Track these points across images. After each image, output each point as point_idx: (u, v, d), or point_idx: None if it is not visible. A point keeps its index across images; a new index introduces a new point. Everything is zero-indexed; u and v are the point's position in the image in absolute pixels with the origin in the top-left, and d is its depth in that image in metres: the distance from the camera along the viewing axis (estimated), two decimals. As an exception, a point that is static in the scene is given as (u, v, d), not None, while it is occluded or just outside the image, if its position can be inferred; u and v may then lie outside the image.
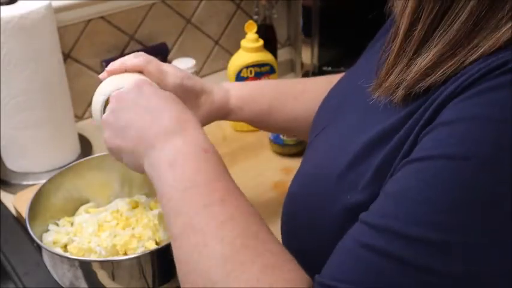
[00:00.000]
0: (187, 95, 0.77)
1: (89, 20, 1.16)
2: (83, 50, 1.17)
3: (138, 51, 0.78)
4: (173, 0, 1.26)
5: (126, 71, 0.73)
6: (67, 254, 0.77)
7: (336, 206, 0.55)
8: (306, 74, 1.27)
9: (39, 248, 0.79)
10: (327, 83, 0.77)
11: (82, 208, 0.87)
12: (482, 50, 0.47)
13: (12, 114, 0.99)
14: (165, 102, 0.64)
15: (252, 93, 0.84)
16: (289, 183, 0.66)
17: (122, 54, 1.22)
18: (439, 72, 0.49)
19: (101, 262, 0.72)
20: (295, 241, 0.64)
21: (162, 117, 0.62)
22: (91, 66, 1.19)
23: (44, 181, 0.84)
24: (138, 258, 0.72)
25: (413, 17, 0.51)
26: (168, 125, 0.61)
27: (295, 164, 0.89)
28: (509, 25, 0.46)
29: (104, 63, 1.18)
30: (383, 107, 0.55)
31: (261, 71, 1.14)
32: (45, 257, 0.77)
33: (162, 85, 0.74)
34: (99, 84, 0.74)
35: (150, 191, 0.88)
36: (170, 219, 0.57)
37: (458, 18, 0.48)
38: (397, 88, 0.53)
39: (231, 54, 1.18)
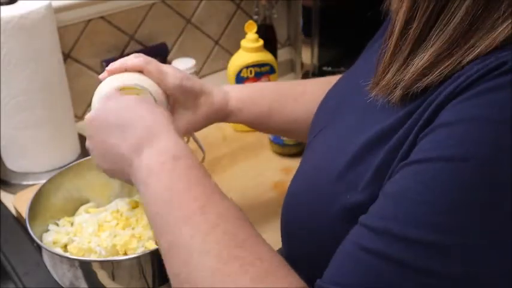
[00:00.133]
0: (187, 96, 0.77)
1: (89, 20, 1.16)
2: (83, 50, 1.17)
3: (138, 51, 0.79)
4: (173, 0, 1.26)
5: (126, 70, 0.74)
6: (67, 254, 0.77)
7: (335, 206, 0.55)
8: (306, 74, 1.27)
9: (39, 248, 0.79)
10: (326, 84, 0.77)
11: (82, 208, 0.87)
12: (479, 50, 0.47)
13: (12, 114, 0.99)
14: (133, 113, 0.64)
15: (252, 95, 0.84)
16: (289, 183, 0.66)
17: (122, 54, 1.22)
18: (436, 72, 0.49)
19: (101, 262, 0.72)
20: (295, 242, 0.64)
21: (132, 132, 0.62)
22: (91, 66, 1.19)
23: (44, 181, 0.84)
24: (138, 258, 0.72)
25: (409, 15, 0.51)
26: (137, 140, 0.61)
27: (295, 164, 0.89)
28: (505, 25, 0.46)
29: (104, 63, 1.18)
30: (381, 107, 0.55)
31: (261, 71, 1.14)
32: (45, 257, 0.77)
33: (162, 85, 0.74)
34: (99, 84, 0.74)
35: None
36: (157, 237, 0.57)
37: (454, 18, 0.48)
38: (394, 88, 0.53)
39: (231, 54, 1.18)
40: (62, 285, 0.77)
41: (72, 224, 0.84)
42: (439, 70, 0.49)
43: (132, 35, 1.23)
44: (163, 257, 0.56)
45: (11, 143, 1.03)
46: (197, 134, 1.04)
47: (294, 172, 0.67)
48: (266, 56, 1.14)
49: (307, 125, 0.76)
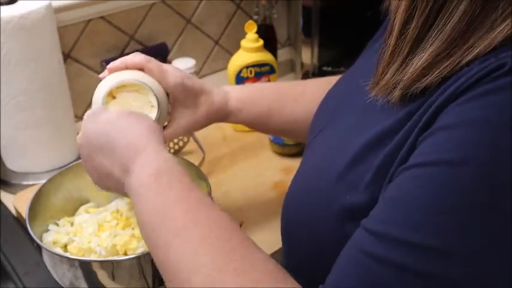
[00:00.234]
0: (187, 95, 0.77)
1: (89, 20, 1.16)
2: (83, 50, 1.17)
3: (138, 51, 0.78)
4: (173, 0, 1.26)
5: (127, 68, 0.74)
6: (67, 254, 0.77)
7: (335, 206, 0.55)
8: (306, 74, 1.27)
9: (39, 248, 0.79)
10: (326, 84, 0.77)
11: (82, 208, 0.88)
12: (478, 50, 0.47)
13: (12, 114, 0.99)
14: (116, 132, 0.64)
15: (252, 95, 0.84)
16: (289, 183, 0.66)
17: (122, 54, 1.22)
18: (435, 73, 0.49)
19: (101, 262, 0.72)
20: (295, 241, 0.64)
21: (118, 152, 0.63)
22: (91, 66, 1.19)
23: (44, 181, 0.84)
24: (138, 258, 0.72)
25: (407, 14, 0.51)
26: (123, 161, 0.62)
27: (295, 164, 0.89)
28: (504, 25, 0.46)
29: (104, 63, 1.18)
30: (381, 107, 0.55)
31: (261, 71, 1.14)
32: (45, 257, 0.77)
33: (162, 83, 0.74)
34: (99, 84, 0.74)
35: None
36: (152, 254, 0.57)
37: (452, 18, 0.48)
38: (394, 88, 0.53)
39: (231, 54, 1.18)
40: (62, 285, 0.77)
41: (72, 224, 0.84)
42: (438, 71, 0.49)
43: (132, 35, 1.23)
44: (160, 272, 0.56)
45: (11, 143, 1.03)
46: (197, 134, 1.04)
47: (294, 172, 0.67)
48: (266, 56, 1.14)
49: (307, 125, 0.76)
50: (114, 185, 0.66)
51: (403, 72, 0.52)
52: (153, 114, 0.72)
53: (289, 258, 0.67)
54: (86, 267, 0.72)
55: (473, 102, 0.45)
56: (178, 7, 1.28)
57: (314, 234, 0.59)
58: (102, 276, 0.72)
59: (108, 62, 0.77)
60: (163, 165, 0.60)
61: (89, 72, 1.19)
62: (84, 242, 0.78)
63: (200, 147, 1.06)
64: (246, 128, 1.13)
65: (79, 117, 1.21)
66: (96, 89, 0.73)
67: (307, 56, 1.25)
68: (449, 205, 0.44)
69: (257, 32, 1.13)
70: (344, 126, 0.61)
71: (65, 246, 0.80)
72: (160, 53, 1.23)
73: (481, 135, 0.44)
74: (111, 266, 0.72)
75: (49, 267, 0.77)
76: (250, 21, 1.13)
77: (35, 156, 1.04)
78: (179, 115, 0.77)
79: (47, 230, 0.82)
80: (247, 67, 1.13)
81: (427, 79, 0.49)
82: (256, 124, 0.86)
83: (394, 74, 0.53)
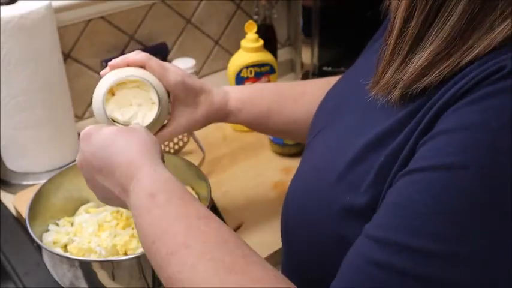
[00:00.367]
0: (187, 93, 0.77)
1: (89, 20, 1.16)
2: (83, 50, 1.17)
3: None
4: (173, 0, 1.26)
5: (128, 65, 0.74)
6: (67, 254, 0.77)
7: (335, 206, 0.55)
8: (306, 74, 1.27)
9: (39, 248, 0.79)
10: (326, 85, 0.77)
11: (82, 208, 0.88)
12: (477, 51, 0.47)
13: (12, 114, 0.99)
14: (112, 153, 0.64)
15: (251, 95, 0.84)
16: (289, 183, 0.66)
17: (122, 54, 1.22)
18: (435, 73, 0.49)
19: (101, 262, 0.72)
20: (295, 241, 0.64)
21: (116, 174, 0.63)
22: (91, 66, 1.19)
23: (44, 181, 0.84)
24: (138, 258, 0.72)
25: (407, 13, 0.51)
26: (121, 182, 0.62)
27: (295, 164, 0.89)
28: (503, 26, 0.46)
29: (103, 63, 1.18)
30: (381, 107, 0.55)
31: (261, 71, 1.14)
32: (45, 257, 0.77)
33: (163, 81, 0.74)
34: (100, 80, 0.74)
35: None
36: (155, 271, 0.57)
37: (451, 17, 0.48)
38: (394, 87, 0.53)
39: (231, 54, 1.18)
40: (62, 285, 0.77)
41: (72, 224, 0.84)
42: (438, 71, 0.49)
43: (132, 35, 1.23)
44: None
45: (11, 143, 1.03)
46: (197, 134, 1.04)
47: (294, 172, 0.67)
48: (266, 56, 1.14)
49: (307, 125, 0.76)
50: (117, 203, 0.67)
51: (403, 71, 0.52)
52: (154, 111, 0.72)
53: (289, 258, 0.67)
54: (86, 267, 0.72)
55: (473, 105, 0.45)
56: (178, 7, 1.28)
57: (314, 234, 0.59)
58: (102, 276, 0.72)
59: (108, 62, 0.77)
60: (160, 184, 0.60)
61: (89, 72, 1.19)
62: (84, 242, 0.78)
63: (200, 147, 1.06)
64: (246, 128, 1.13)
65: (79, 117, 1.21)
66: (97, 85, 0.73)
67: (307, 56, 1.25)
68: (449, 209, 0.44)
69: (257, 32, 1.13)
70: (344, 126, 0.61)
71: (65, 246, 0.80)
72: (160, 53, 1.23)
73: (480, 138, 0.44)
74: (111, 266, 0.72)
75: (49, 267, 0.77)
76: (250, 21, 1.13)
77: (35, 156, 1.04)
78: (179, 114, 0.78)
79: (47, 230, 0.82)
80: (247, 67, 1.13)
81: (427, 79, 0.49)
82: (255, 124, 0.86)
83: (394, 73, 0.53)
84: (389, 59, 0.53)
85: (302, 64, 1.27)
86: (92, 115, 0.83)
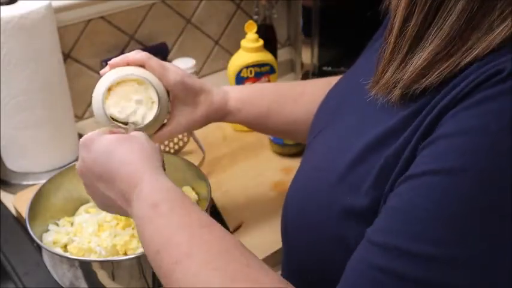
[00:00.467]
0: (187, 93, 0.77)
1: (89, 20, 1.16)
2: (83, 50, 1.17)
3: (138, 51, 0.79)
4: (173, 0, 1.26)
5: (128, 65, 0.74)
6: (67, 254, 0.77)
7: (336, 207, 0.55)
8: (306, 74, 1.27)
9: (39, 248, 0.79)
10: (326, 85, 0.77)
11: (82, 208, 0.87)
12: (477, 52, 0.47)
13: (12, 114, 0.99)
14: (114, 162, 0.63)
15: (251, 95, 0.84)
16: (289, 183, 0.66)
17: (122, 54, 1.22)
18: (435, 73, 0.49)
19: (101, 262, 0.72)
20: (295, 242, 0.64)
21: (117, 184, 0.62)
22: (91, 66, 1.19)
23: (44, 181, 0.84)
24: (138, 258, 0.72)
25: (407, 11, 0.51)
26: (123, 192, 0.62)
27: (295, 164, 0.89)
28: (502, 27, 0.46)
29: (103, 63, 1.18)
30: (381, 107, 0.55)
31: (261, 71, 1.14)
32: (45, 257, 0.77)
33: (163, 80, 0.74)
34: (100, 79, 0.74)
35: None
36: (160, 280, 0.57)
37: (450, 16, 0.48)
38: (394, 87, 0.53)
39: (231, 54, 1.18)
40: (62, 285, 0.77)
41: (72, 224, 0.84)
42: (438, 71, 0.49)
43: (132, 35, 1.23)
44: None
45: (11, 143, 1.03)
46: (197, 134, 1.04)
47: (294, 172, 0.67)
48: (266, 56, 1.14)
49: (306, 126, 0.76)
50: (117, 211, 0.67)
51: (403, 71, 0.52)
52: (153, 110, 0.72)
53: (289, 258, 0.67)
54: (86, 267, 0.72)
55: (472, 109, 0.45)
56: (178, 7, 1.28)
57: (314, 234, 0.59)
58: (102, 276, 0.72)
59: (108, 62, 0.77)
60: (162, 193, 0.59)
61: (89, 72, 1.19)
62: (84, 242, 0.78)
63: (200, 147, 1.06)
64: (246, 128, 1.13)
65: (79, 117, 1.21)
66: (97, 84, 0.73)
67: (307, 56, 1.25)
68: (449, 213, 0.44)
69: (257, 32, 1.13)
70: (344, 126, 0.61)
71: (65, 246, 0.80)
72: (160, 52, 1.23)
73: (480, 142, 0.44)
74: (111, 266, 0.72)
75: (49, 267, 0.77)
76: (250, 21, 1.13)
77: (35, 156, 1.04)
78: (179, 113, 0.78)
79: (47, 230, 0.82)
80: (247, 67, 1.13)
81: (427, 79, 0.50)
82: (255, 124, 0.86)
83: (394, 73, 0.53)
84: (389, 58, 0.53)
85: (302, 64, 1.27)
86: (92, 115, 0.83)
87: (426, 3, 0.49)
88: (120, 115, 0.71)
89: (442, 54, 0.49)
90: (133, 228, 0.80)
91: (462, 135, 0.45)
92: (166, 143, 1.08)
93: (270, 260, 0.84)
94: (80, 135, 1.13)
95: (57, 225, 0.84)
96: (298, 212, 0.62)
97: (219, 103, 0.81)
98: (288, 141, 1.07)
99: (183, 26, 1.31)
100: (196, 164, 0.89)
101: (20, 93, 0.97)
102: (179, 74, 0.76)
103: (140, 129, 0.72)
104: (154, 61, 0.74)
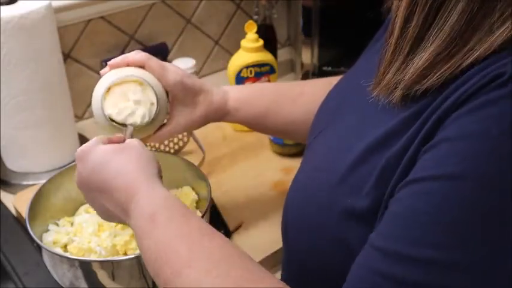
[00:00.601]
0: (186, 93, 0.77)
1: (89, 20, 1.16)
2: (83, 50, 1.17)
3: (138, 51, 0.79)
4: (173, 0, 1.26)
5: (128, 65, 0.74)
6: (67, 254, 0.77)
7: (336, 208, 0.55)
8: (306, 74, 1.27)
9: (39, 248, 0.79)
10: (326, 85, 0.77)
11: (82, 208, 0.87)
12: (478, 53, 0.47)
13: (12, 114, 0.99)
14: (109, 174, 0.63)
15: (250, 95, 0.84)
16: (289, 183, 0.66)
17: (122, 54, 1.22)
18: (436, 74, 0.49)
19: (101, 262, 0.72)
20: (296, 242, 0.64)
21: (115, 196, 0.62)
22: (91, 66, 1.19)
23: (44, 181, 0.84)
24: (138, 258, 0.72)
25: (408, 12, 0.51)
26: (121, 204, 0.62)
27: (295, 164, 0.89)
28: (503, 28, 0.46)
29: (103, 63, 1.18)
30: (382, 108, 0.55)
31: (261, 71, 1.14)
32: (45, 257, 0.77)
33: (162, 81, 0.74)
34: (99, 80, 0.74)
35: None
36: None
37: (451, 17, 0.48)
38: (395, 88, 0.53)
39: (231, 54, 1.18)
40: (62, 285, 0.77)
41: (72, 224, 0.84)
42: (439, 72, 0.49)
43: (132, 35, 1.23)
44: None
45: (11, 143, 1.03)
46: (197, 134, 1.04)
47: (294, 172, 0.67)
48: (266, 56, 1.14)
49: (306, 126, 0.76)
50: (119, 221, 0.67)
51: (404, 72, 0.52)
52: (152, 111, 0.72)
53: (290, 258, 0.67)
54: (86, 267, 0.72)
55: (473, 114, 0.45)
56: (178, 7, 1.28)
57: (314, 235, 0.59)
58: (102, 276, 0.72)
59: (108, 62, 0.77)
60: (160, 202, 0.59)
61: (89, 72, 1.19)
62: (84, 242, 0.78)
63: (200, 147, 1.06)
64: (246, 128, 1.13)
65: (79, 117, 1.21)
66: (97, 84, 0.73)
67: (307, 56, 1.25)
68: (450, 218, 0.44)
69: (257, 32, 1.13)
70: (345, 127, 0.61)
71: (65, 246, 0.80)
72: (160, 52, 1.23)
73: (480, 147, 0.44)
74: (111, 266, 0.72)
75: (49, 267, 0.77)
76: (250, 21, 1.13)
77: (35, 156, 1.04)
78: (178, 113, 0.78)
79: (47, 230, 0.82)
80: (247, 67, 1.13)
81: (428, 80, 0.49)
82: (254, 124, 0.86)
83: (395, 74, 0.53)
84: (390, 59, 0.53)
85: (302, 64, 1.27)
86: (92, 115, 0.83)
87: (427, 3, 0.49)
88: (119, 116, 0.71)
89: (443, 55, 0.49)
90: (133, 228, 0.80)
91: (463, 140, 0.45)
92: (166, 143, 1.08)
93: (270, 260, 0.84)
94: (80, 135, 1.13)
95: (57, 225, 0.84)
96: (298, 213, 0.62)
97: (218, 103, 0.81)
98: (288, 141, 1.07)
99: (183, 26, 1.31)
100: (196, 164, 0.89)
101: (20, 93, 0.97)
102: (179, 74, 0.76)
103: (139, 130, 0.72)
104: (154, 61, 0.74)
